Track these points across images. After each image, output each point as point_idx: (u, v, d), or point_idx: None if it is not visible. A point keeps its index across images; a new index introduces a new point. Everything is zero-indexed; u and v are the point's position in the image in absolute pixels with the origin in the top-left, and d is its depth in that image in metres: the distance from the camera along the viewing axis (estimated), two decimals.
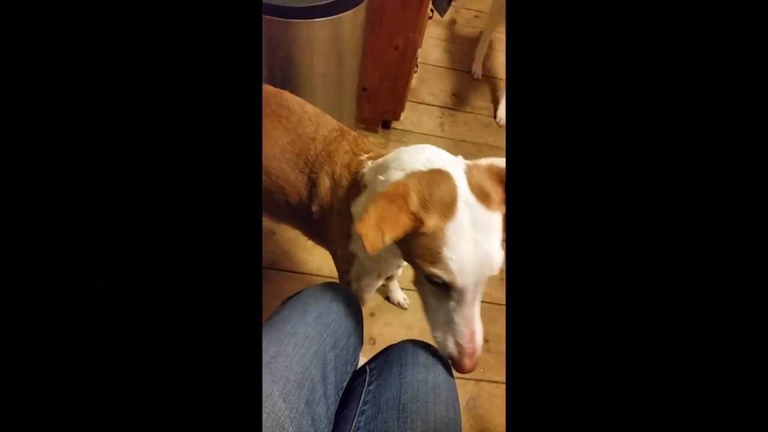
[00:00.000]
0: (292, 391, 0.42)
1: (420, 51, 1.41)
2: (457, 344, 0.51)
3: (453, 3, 1.67)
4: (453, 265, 0.46)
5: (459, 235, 0.47)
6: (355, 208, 0.64)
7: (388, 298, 1.22)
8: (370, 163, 0.66)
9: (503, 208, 0.50)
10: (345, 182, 0.69)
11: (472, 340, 0.50)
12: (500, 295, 1.28)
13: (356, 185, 0.65)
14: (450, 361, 0.53)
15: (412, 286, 1.25)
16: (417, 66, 1.47)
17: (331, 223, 0.73)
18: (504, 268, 0.39)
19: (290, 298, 0.56)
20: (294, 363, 0.44)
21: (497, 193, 0.50)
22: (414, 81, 1.70)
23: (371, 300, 1.21)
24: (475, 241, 0.47)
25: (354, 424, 0.48)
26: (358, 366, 0.59)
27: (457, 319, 0.50)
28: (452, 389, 0.52)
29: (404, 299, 1.21)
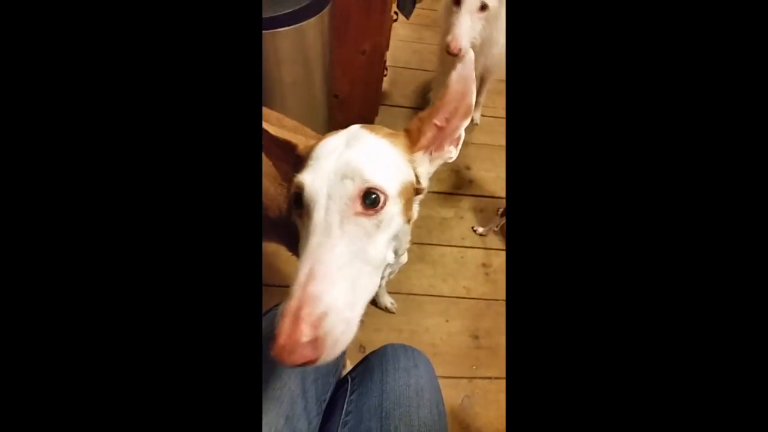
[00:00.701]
0: (271, 408, 0.41)
1: (388, 54, 1.41)
2: (288, 293, 0.34)
3: (418, 4, 1.68)
4: (314, 157, 0.43)
5: (328, 146, 0.44)
6: None
7: (375, 303, 1.21)
8: None
9: (406, 145, 0.48)
10: None
11: (306, 283, 0.34)
12: (487, 291, 1.29)
13: None
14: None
15: (399, 290, 1.24)
16: (386, 69, 1.47)
17: None
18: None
19: (266, 313, 0.55)
20: (271, 378, 0.43)
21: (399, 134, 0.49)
22: (385, 84, 1.70)
23: None
24: (341, 154, 0.43)
25: None
26: (341, 376, 0.58)
27: (302, 253, 0.38)
28: (435, 390, 0.52)
29: (392, 303, 1.20)
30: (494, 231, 1.40)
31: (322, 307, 0.33)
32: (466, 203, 1.50)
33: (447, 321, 1.22)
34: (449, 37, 1.07)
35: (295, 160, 0.49)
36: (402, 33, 2.07)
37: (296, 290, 0.33)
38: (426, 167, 0.51)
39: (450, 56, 1.09)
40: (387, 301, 1.20)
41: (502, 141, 1.71)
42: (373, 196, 0.40)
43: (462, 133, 0.52)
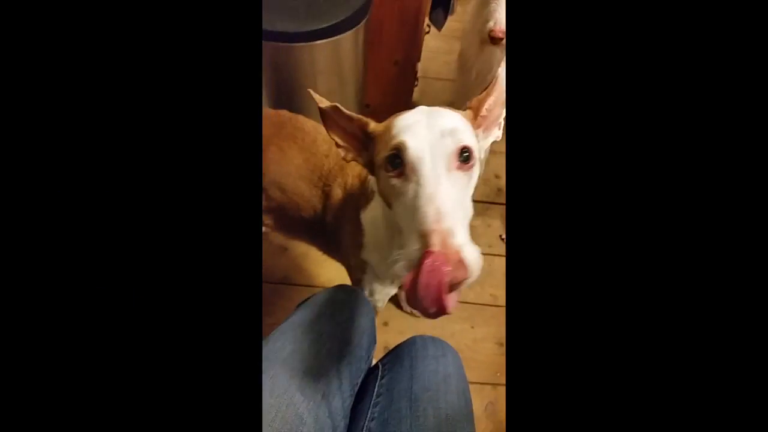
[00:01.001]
0: (309, 384, 0.44)
1: (419, 65, 1.45)
2: (420, 234, 0.37)
3: (449, 17, 1.72)
4: (402, 132, 0.45)
5: (408, 119, 0.48)
6: (365, 215, 0.67)
7: (400, 307, 1.23)
8: None
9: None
10: (355, 190, 0.72)
11: (438, 219, 0.37)
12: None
13: (365, 192, 0.68)
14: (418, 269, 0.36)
15: None
16: (417, 80, 1.51)
17: (343, 233, 0.75)
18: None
19: (304, 301, 0.59)
20: (310, 358, 0.46)
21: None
22: (416, 94, 1.74)
23: (384, 309, 1.23)
24: (426, 122, 0.46)
25: (369, 415, 0.50)
26: (372, 364, 0.61)
27: (420, 201, 0.40)
28: (462, 379, 0.54)
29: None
30: None
31: (458, 238, 0.37)
32: (494, 211, 1.50)
33: (472, 327, 1.23)
34: (491, 23, 1.03)
35: (364, 137, 0.54)
36: (433, 44, 2.10)
37: (432, 225, 0.37)
38: (482, 143, 0.56)
39: (490, 45, 1.06)
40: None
41: None
42: (466, 153, 0.45)
43: (502, 120, 0.57)
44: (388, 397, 0.51)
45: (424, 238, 0.37)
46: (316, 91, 0.55)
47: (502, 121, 0.58)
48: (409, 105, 1.54)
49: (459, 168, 0.45)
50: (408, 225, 0.42)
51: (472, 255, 0.36)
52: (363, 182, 0.71)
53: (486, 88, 0.54)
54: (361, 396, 0.54)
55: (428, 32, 1.37)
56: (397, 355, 0.58)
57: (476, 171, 0.47)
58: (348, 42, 1.02)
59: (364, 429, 0.49)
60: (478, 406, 1.10)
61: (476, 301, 1.28)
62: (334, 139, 0.56)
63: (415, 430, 0.46)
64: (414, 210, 0.41)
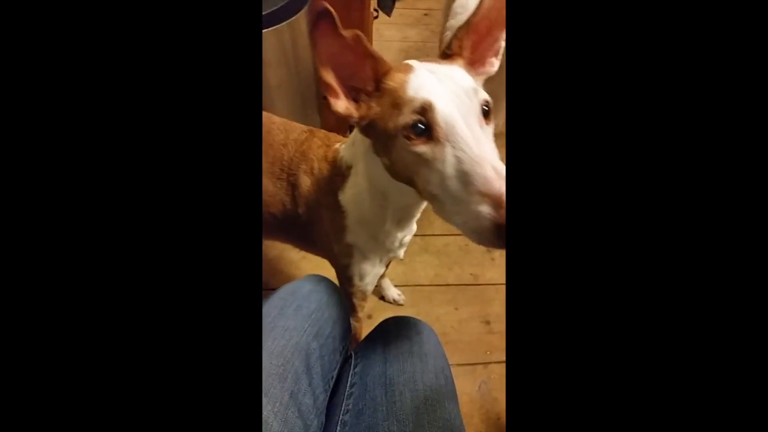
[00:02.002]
0: (274, 384, 0.40)
1: None
2: (486, 195, 0.37)
3: (398, 3, 1.70)
4: (422, 92, 0.42)
5: (421, 78, 0.43)
6: (344, 195, 0.63)
7: (383, 298, 1.20)
8: (342, 145, 0.64)
9: (466, 61, 0.49)
10: (326, 173, 0.67)
11: (501, 176, 0.37)
12: (494, 276, 1.28)
13: (338, 172, 0.63)
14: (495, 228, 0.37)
15: (406, 282, 1.23)
16: None
17: (321, 221, 0.71)
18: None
19: (269, 298, 0.55)
20: (273, 357, 0.43)
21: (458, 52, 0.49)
22: None
23: (368, 302, 1.20)
24: (439, 79, 0.43)
25: (343, 408, 0.47)
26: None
27: (467, 165, 0.38)
28: (440, 357, 0.51)
29: (399, 295, 1.19)
30: None
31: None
32: None
33: (456, 309, 1.21)
34: None
35: (373, 87, 0.47)
36: (386, 33, 2.09)
37: (497, 185, 0.36)
38: (479, 82, 0.51)
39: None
40: (394, 293, 1.19)
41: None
42: (486, 108, 0.43)
43: (502, 43, 0.52)
44: (361, 386, 0.48)
45: (495, 198, 0.36)
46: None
47: (502, 44, 0.52)
48: None
49: (486, 123, 0.43)
50: (457, 193, 0.39)
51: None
52: (333, 162, 0.65)
53: (465, 24, 0.49)
54: (335, 389, 0.51)
55: (376, 17, 1.35)
56: (370, 340, 0.55)
57: (492, 124, 0.45)
58: (292, 31, 0.98)
59: (339, 423, 0.46)
60: (471, 386, 1.08)
61: (457, 282, 1.26)
62: (327, 82, 0.45)
63: (392, 418, 0.43)
64: (462, 175, 0.39)
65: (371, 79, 0.47)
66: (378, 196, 0.57)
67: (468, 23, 0.48)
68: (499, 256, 1.33)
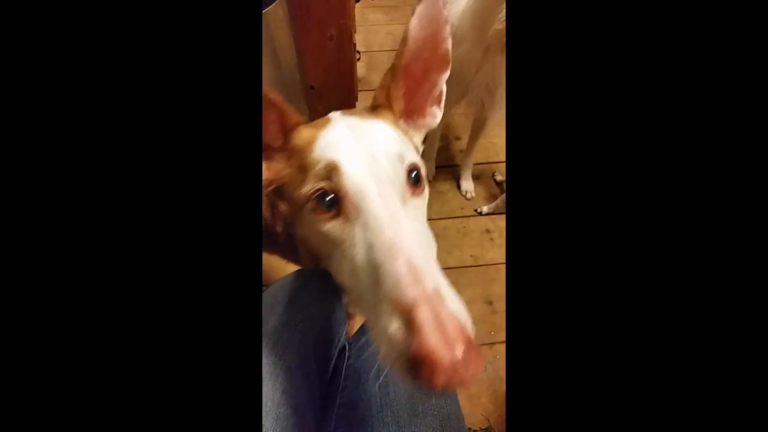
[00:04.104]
0: (266, 383, 0.40)
1: (360, 39, 1.39)
2: (395, 305, 0.27)
3: None
4: (330, 151, 0.35)
5: (333, 134, 0.37)
6: None
7: None
8: None
9: (393, 116, 0.42)
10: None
11: (416, 279, 0.27)
12: (494, 256, 1.27)
13: None
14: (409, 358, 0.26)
15: None
16: (359, 54, 1.45)
17: (299, 245, 0.66)
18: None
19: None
20: (265, 355, 0.42)
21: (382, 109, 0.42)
22: (362, 69, 1.69)
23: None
24: (356, 138, 0.36)
25: (338, 401, 0.46)
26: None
27: (378, 254, 0.30)
28: None
29: None
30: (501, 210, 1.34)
31: (449, 305, 0.27)
32: (457, 172, 1.48)
33: (458, 291, 1.20)
34: (498, 26, 0.86)
35: (282, 142, 0.40)
36: (372, 17, 2.05)
37: (411, 292, 0.26)
38: (416, 137, 0.45)
39: (497, 54, 0.91)
40: None
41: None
42: (415, 173, 0.36)
43: (443, 88, 0.44)
44: (355, 379, 0.47)
45: (404, 312, 0.26)
46: None
47: (443, 89, 0.44)
48: (355, 81, 1.48)
49: (413, 195, 0.35)
50: (368, 291, 0.30)
51: (467, 318, 0.28)
52: None
53: (390, 70, 0.41)
54: (330, 381, 0.50)
55: (358, 1, 1.31)
56: (363, 331, 0.54)
57: (426, 190, 0.37)
58: (271, 19, 0.96)
59: (334, 417, 0.45)
60: None
61: (458, 265, 1.26)
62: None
63: (386, 409, 0.42)
64: (372, 268, 0.30)
65: (279, 133, 0.40)
66: None
67: (394, 68, 0.41)
68: (498, 236, 1.32)
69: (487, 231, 1.32)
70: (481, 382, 1.07)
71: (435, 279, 0.28)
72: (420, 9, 0.38)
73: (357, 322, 0.63)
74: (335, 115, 0.41)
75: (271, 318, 0.46)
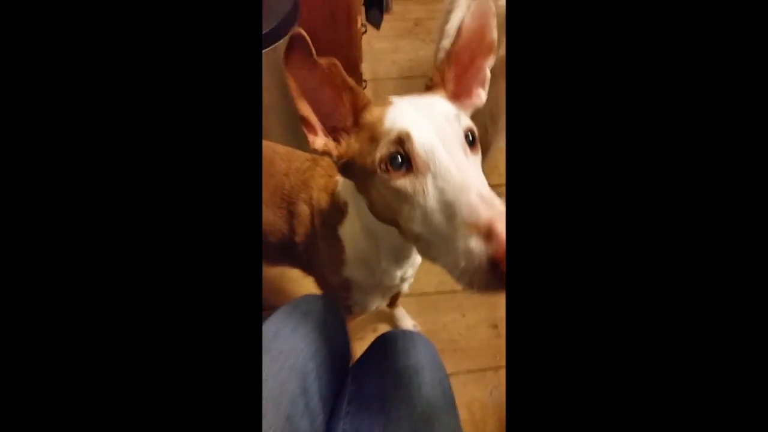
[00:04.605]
0: (270, 408, 0.41)
1: (365, 67, 1.44)
2: (473, 226, 0.32)
3: (387, 16, 1.72)
4: (399, 122, 0.39)
5: (399, 109, 0.42)
6: (343, 229, 0.60)
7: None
8: (341, 179, 0.61)
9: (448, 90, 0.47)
10: (324, 205, 0.65)
11: (490, 204, 0.33)
12: None
13: (337, 207, 0.61)
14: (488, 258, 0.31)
15: (411, 291, 1.24)
16: (365, 82, 1.50)
17: (317, 252, 0.69)
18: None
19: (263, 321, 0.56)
20: (269, 380, 0.43)
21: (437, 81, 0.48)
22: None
23: (373, 316, 1.20)
24: (418, 109, 0.41)
25: (341, 427, 0.47)
26: None
27: (450, 195, 0.35)
28: (437, 368, 0.51)
29: (414, 326, 1.17)
30: None
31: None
32: None
33: (463, 315, 1.21)
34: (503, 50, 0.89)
35: (351, 122, 0.45)
36: (378, 46, 2.11)
37: (486, 213, 0.32)
38: (465, 115, 0.49)
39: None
40: (409, 324, 1.16)
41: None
42: (471, 136, 0.41)
43: (488, 73, 0.50)
44: (358, 404, 0.48)
45: (482, 229, 0.31)
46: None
47: (488, 74, 0.50)
48: None
49: (471, 152, 0.40)
50: (441, 228, 0.35)
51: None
52: (332, 195, 0.63)
53: (446, 56, 0.47)
54: (334, 407, 0.51)
55: (365, 32, 1.37)
56: (366, 357, 0.55)
57: (480, 152, 0.43)
58: (281, 52, 1.00)
59: None
60: (482, 392, 1.07)
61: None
62: (303, 116, 0.44)
63: None
64: (445, 207, 0.35)
65: (350, 113, 0.45)
66: (370, 236, 0.56)
67: (448, 54, 0.47)
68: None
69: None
70: (485, 407, 1.06)
71: (500, 202, 0.34)
72: (474, 5, 0.45)
73: (359, 348, 0.64)
74: (395, 98, 0.45)
75: (276, 342, 0.48)
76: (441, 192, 0.36)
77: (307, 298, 0.58)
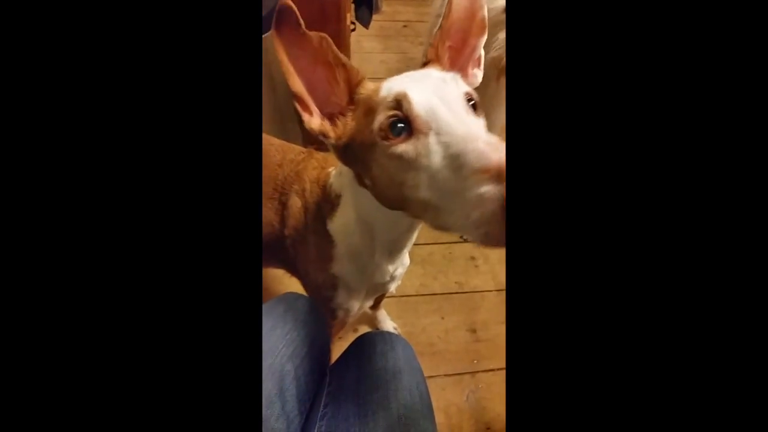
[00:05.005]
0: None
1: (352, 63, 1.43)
2: (484, 170, 0.31)
3: (376, 15, 1.71)
4: (396, 88, 0.38)
5: (394, 80, 0.41)
6: (333, 224, 0.58)
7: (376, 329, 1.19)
8: (333, 170, 0.60)
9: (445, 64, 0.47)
10: (316, 197, 0.63)
11: (495, 147, 0.31)
12: (479, 283, 1.28)
13: (328, 199, 0.59)
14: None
15: (392, 293, 1.24)
16: None
17: (306, 246, 0.67)
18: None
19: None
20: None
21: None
22: None
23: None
24: (414, 78, 0.41)
25: (317, 429, 0.46)
26: None
27: (455, 148, 0.34)
28: (415, 372, 0.51)
29: (395, 329, 1.16)
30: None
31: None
32: None
33: (442, 318, 1.21)
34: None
35: (347, 100, 0.44)
36: (367, 45, 2.11)
37: (495, 155, 0.31)
38: None
39: None
40: (389, 326, 1.15)
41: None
42: (472, 101, 0.40)
43: (482, 52, 0.49)
44: (335, 406, 0.47)
45: (493, 173, 0.30)
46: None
47: (482, 53, 0.49)
48: None
49: (476, 115, 0.39)
50: (449, 184, 0.33)
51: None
52: (324, 187, 0.61)
53: (438, 32, 0.46)
54: (311, 409, 0.50)
55: (353, 30, 1.36)
56: (344, 358, 0.54)
57: (483, 115, 0.41)
58: (270, 45, 0.98)
59: None
60: (459, 397, 1.07)
61: (443, 291, 1.26)
62: (297, 93, 0.42)
63: None
64: (451, 160, 0.33)
65: (344, 91, 0.44)
66: (366, 227, 0.54)
67: (440, 30, 0.46)
68: (483, 263, 1.33)
69: (472, 258, 1.34)
70: (462, 411, 1.06)
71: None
72: None
73: (336, 350, 0.63)
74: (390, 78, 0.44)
75: None
76: (446, 147, 0.35)
77: (288, 296, 0.56)
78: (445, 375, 1.10)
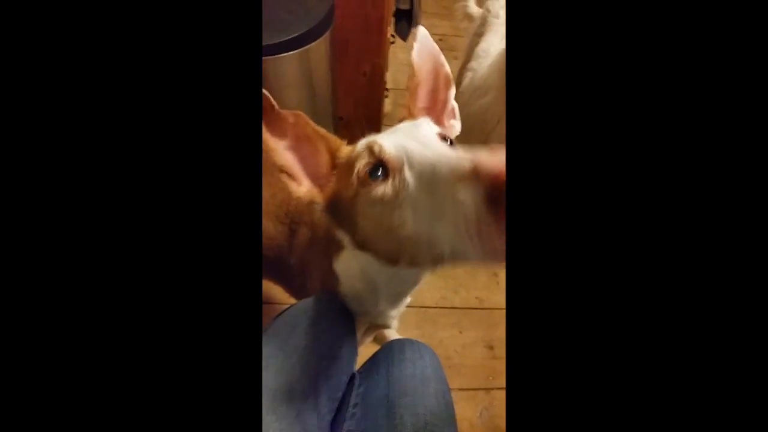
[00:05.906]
0: (282, 403, 0.41)
1: (389, 76, 1.46)
2: (461, 176, 0.31)
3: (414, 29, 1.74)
4: (366, 139, 0.41)
5: (367, 138, 0.43)
6: (338, 264, 0.58)
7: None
8: None
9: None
10: (324, 232, 0.62)
11: (470, 155, 0.31)
12: (500, 300, 1.28)
13: (334, 240, 0.57)
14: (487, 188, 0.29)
15: (411, 303, 1.25)
16: (387, 90, 1.52)
17: (312, 280, 0.68)
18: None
19: (280, 314, 0.56)
20: (282, 374, 0.44)
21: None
22: (388, 106, 1.75)
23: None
24: (386, 133, 0.44)
25: (345, 428, 0.47)
26: None
27: (429, 168, 0.34)
28: (441, 381, 0.52)
29: None
30: None
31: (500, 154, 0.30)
32: None
33: (461, 332, 1.21)
34: None
35: (329, 166, 0.47)
36: (402, 56, 2.13)
37: (470, 157, 0.31)
38: None
39: None
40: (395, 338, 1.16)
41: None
42: (446, 139, 0.42)
43: (454, 103, 0.53)
44: (364, 407, 0.49)
45: (473, 171, 0.30)
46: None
47: (455, 105, 0.52)
48: (381, 115, 1.54)
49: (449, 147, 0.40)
50: (430, 202, 0.34)
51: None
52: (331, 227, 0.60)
53: (408, 92, 0.49)
54: (339, 407, 0.52)
55: (393, 42, 1.39)
56: (374, 362, 0.56)
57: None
58: (314, 53, 1.01)
59: None
60: (472, 412, 1.08)
61: (463, 306, 1.27)
62: (280, 166, 0.43)
63: None
64: (429, 179, 0.34)
65: (327, 158, 0.46)
66: (369, 281, 0.56)
67: (408, 90, 0.50)
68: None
69: (495, 274, 1.34)
70: (474, 427, 1.06)
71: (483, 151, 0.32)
72: (416, 45, 0.49)
73: (364, 353, 0.65)
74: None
75: (291, 338, 0.48)
76: (419, 174, 0.35)
77: (322, 297, 0.59)
78: (459, 389, 1.10)
